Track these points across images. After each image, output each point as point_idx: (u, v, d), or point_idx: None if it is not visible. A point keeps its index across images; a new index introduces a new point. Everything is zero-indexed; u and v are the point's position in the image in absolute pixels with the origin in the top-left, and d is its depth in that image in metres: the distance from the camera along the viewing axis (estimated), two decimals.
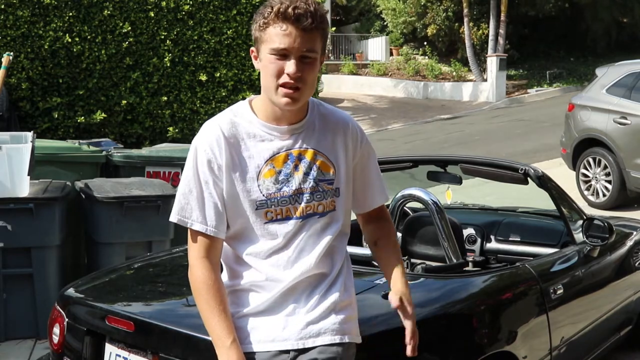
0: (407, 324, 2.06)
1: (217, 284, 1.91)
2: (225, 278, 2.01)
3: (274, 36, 1.84)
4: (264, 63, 1.87)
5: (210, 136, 1.91)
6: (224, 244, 1.99)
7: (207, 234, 1.92)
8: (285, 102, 1.87)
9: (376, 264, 3.35)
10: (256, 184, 1.91)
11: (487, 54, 21.97)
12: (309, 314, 1.94)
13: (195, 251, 1.93)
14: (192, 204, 1.92)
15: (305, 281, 1.94)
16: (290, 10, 1.82)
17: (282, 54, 1.84)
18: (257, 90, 8.84)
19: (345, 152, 2.01)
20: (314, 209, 1.94)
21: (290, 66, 1.83)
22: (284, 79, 1.85)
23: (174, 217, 1.96)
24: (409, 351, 2.05)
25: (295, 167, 1.93)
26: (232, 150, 1.91)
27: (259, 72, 1.91)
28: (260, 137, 1.93)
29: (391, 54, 26.16)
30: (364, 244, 4.09)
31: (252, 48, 1.93)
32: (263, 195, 1.91)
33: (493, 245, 4.07)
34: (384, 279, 2.70)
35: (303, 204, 1.93)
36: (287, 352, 1.92)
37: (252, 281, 1.95)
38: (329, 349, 1.94)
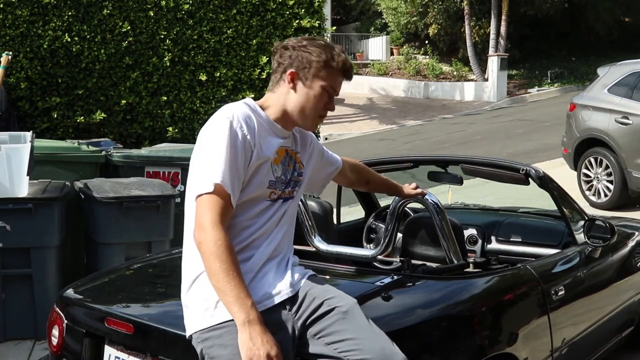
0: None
1: (233, 249, 2.11)
2: None
3: (335, 81, 2.31)
4: (313, 92, 2.28)
5: (241, 113, 2.20)
6: None
7: (228, 200, 2.12)
8: (313, 128, 2.39)
9: (376, 264, 3.37)
10: (270, 166, 2.26)
11: (488, 53, 21.97)
12: (288, 274, 2.28)
13: (214, 215, 2.09)
14: (224, 170, 2.11)
15: (283, 251, 2.31)
16: (349, 71, 2.33)
17: (331, 95, 2.31)
18: (256, 90, 8.82)
19: (310, 156, 2.50)
20: (291, 194, 2.36)
21: (332, 105, 2.34)
22: (324, 112, 2.34)
23: (208, 184, 2.10)
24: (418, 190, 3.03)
25: (290, 161, 2.36)
26: (257, 131, 2.21)
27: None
28: (271, 131, 2.29)
29: (392, 54, 26.16)
30: (364, 244, 4.08)
31: (293, 70, 2.25)
32: (274, 177, 2.28)
33: (494, 246, 4.05)
34: (385, 280, 2.70)
35: (289, 189, 2.34)
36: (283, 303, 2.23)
37: (240, 246, 2.20)
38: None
